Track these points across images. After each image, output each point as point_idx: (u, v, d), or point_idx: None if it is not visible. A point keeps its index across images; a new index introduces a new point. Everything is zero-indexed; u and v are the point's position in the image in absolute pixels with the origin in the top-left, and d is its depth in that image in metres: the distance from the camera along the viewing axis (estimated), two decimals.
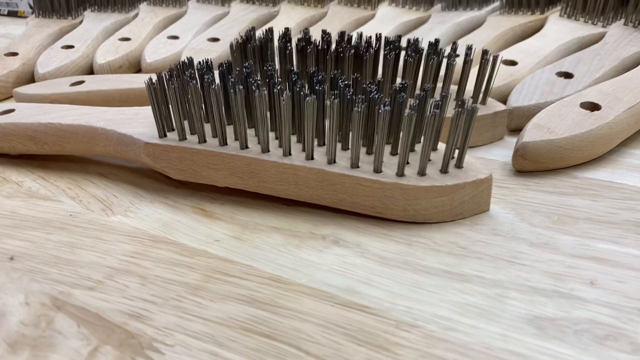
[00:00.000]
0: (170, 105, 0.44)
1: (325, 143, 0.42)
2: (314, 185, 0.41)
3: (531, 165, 0.47)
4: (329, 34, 0.54)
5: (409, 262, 0.37)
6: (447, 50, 0.51)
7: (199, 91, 0.42)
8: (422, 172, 0.40)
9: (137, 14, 0.89)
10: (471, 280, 0.35)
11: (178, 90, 0.43)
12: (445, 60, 0.50)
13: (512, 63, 0.62)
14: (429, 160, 0.40)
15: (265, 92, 0.40)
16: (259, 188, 0.43)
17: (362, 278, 0.35)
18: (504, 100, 0.56)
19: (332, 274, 0.36)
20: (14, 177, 0.49)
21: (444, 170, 0.40)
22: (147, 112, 0.49)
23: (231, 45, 0.52)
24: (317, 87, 0.41)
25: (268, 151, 0.42)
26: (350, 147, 0.40)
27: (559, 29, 0.70)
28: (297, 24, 0.81)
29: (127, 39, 0.78)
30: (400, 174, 0.40)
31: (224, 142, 0.43)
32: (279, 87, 0.41)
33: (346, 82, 0.42)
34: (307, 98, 0.39)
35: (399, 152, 0.39)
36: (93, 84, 0.61)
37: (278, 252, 0.38)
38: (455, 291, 0.34)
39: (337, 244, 0.39)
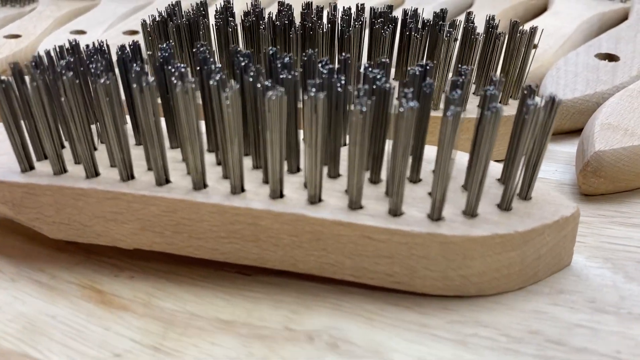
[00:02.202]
0: (36, 118, 0.26)
1: (304, 168, 0.25)
2: (286, 242, 0.24)
3: (607, 185, 0.31)
4: (289, 6, 0.37)
5: None
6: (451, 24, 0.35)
7: (81, 90, 0.25)
8: (472, 212, 0.23)
9: (34, 9, 0.70)
10: None
11: (46, 91, 0.25)
12: (453, 36, 0.34)
13: None
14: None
15: (193, 85, 0.23)
16: (192, 249, 0.26)
17: None
18: None
19: None
20: None
21: (505, 205, 0.24)
22: None
23: (144, 25, 0.35)
24: (283, 75, 0.24)
25: (205, 187, 0.25)
26: (347, 173, 0.23)
27: (573, 5, 0.56)
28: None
29: (16, 36, 0.59)
30: (436, 216, 0.23)
31: (128, 175, 0.25)
32: (218, 77, 0.23)
33: (330, 65, 0.25)
34: (271, 93, 0.22)
35: (433, 179, 0.23)
36: None
37: None
38: None
39: (337, 350, 0.22)
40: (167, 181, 0.25)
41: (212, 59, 0.26)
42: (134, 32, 0.58)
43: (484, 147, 0.22)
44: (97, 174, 0.26)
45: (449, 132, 0.21)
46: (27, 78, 0.26)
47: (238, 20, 0.35)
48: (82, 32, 0.59)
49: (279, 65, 0.25)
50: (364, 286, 0.25)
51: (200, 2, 0.38)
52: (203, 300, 0.25)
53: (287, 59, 0.26)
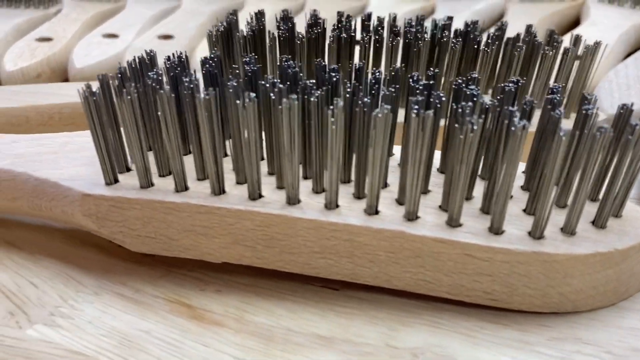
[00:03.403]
0: (125, 130, 0.26)
1: (404, 184, 0.25)
2: (382, 259, 0.24)
3: None
4: (349, 17, 0.37)
5: None
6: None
7: (174, 104, 0.25)
8: (571, 230, 0.24)
9: (59, 11, 0.69)
10: None
11: (139, 104, 0.25)
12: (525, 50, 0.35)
13: None
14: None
15: (296, 101, 0.23)
16: (282, 264, 0.25)
17: None
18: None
19: None
20: None
21: (601, 223, 0.24)
22: (82, 140, 0.31)
23: (210, 36, 0.35)
24: (384, 91, 0.24)
25: (298, 202, 0.25)
26: (450, 191, 0.23)
27: (608, 15, 0.56)
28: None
29: (48, 39, 0.59)
30: (539, 234, 0.23)
31: (220, 189, 0.25)
32: (319, 93, 0.23)
33: (424, 81, 0.25)
34: (377, 110, 0.22)
35: (539, 198, 0.23)
36: None
37: None
38: None
39: None
40: (260, 195, 0.25)
41: (302, 74, 0.26)
42: (169, 37, 0.57)
43: (589, 166, 0.22)
44: (186, 187, 0.26)
45: (560, 151, 0.21)
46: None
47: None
48: (114, 36, 0.59)
49: (373, 80, 0.25)
50: (457, 303, 0.25)
51: (259, 11, 0.37)
52: (296, 315, 0.25)
53: (378, 73, 0.26)
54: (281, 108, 0.22)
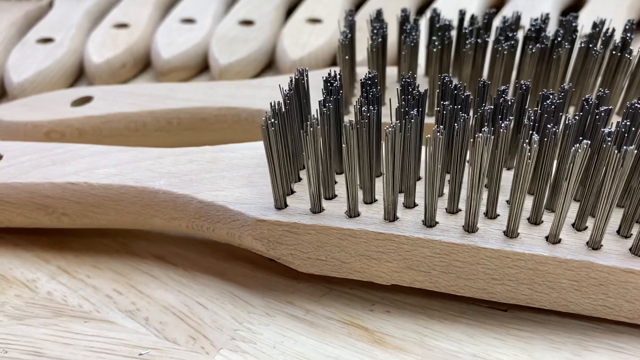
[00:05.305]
0: (305, 157, 0.25)
1: (584, 212, 0.25)
2: (564, 286, 0.25)
3: None
4: (473, 17, 0.36)
5: None
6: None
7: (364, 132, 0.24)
8: None
9: None
10: None
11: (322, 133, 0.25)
12: None
13: None
14: None
15: (491, 135, 0.23)
16: (456, 289, 0.26)
17: None
18: None
19: None
20: (18, 273, 0.30)
21: None
22: (228, 156, 0.31)
23: (341, 45, 0.34)
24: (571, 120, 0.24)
25: (475, 230, 0.25)
26: (631, 218, 0.23)
27: None
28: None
29: (125, 25, 0.58)
30: None
31: (394, 216, 0.26)
32: (507, 123, 0.23)
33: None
34: (577, 146, 0.22)
35: None
36: (106, 101, 0.41)
37: None
38: None
39: None
40: (435, 223, 0.25)
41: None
42: (250, 23, 0.56)
43: None
44: (357, 213, 0.26)
45: None
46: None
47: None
48: (191, 21, 0.58)
49: (553, 104, 0.25)
50: (634, 325, 0.25)
51: (377, 11, 0.37)
52: (477, 340, 0.25)
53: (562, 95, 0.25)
54: (475, 141, 0.22)
